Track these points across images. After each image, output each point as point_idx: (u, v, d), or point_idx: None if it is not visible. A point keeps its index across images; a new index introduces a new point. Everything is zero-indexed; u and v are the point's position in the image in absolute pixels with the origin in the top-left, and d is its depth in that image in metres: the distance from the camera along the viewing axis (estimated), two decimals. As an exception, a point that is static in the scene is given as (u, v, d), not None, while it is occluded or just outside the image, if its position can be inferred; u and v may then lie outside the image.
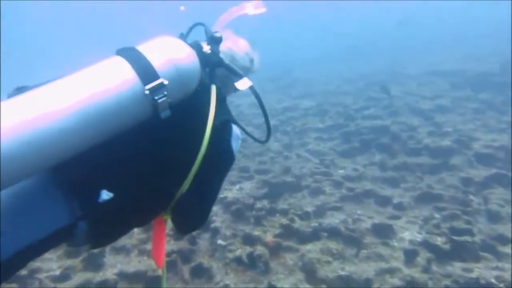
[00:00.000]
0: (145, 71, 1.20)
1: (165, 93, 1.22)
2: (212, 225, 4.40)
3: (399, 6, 36.05)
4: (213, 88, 1.45)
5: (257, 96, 1.59)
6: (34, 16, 31.41)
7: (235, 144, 1.55)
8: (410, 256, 3.67)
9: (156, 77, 1.21)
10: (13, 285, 3.29)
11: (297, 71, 16.75)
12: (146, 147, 1.33)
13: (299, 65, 18.41)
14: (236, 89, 1.70)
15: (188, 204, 1.45)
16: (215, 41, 1.53)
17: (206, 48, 1.51)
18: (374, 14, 38.82)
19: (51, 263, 3.70)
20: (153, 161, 1.33)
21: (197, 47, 1.48)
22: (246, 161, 6.53)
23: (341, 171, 6.04)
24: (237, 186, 5.48)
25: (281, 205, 4.95)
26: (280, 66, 16.55)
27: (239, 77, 1.58)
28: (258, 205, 4.87)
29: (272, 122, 8.39)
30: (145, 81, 1.19)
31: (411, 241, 3.88)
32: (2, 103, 1.05)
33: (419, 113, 8.34)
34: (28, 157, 1.02)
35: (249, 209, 4.80)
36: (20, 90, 1.21)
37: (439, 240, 3.77)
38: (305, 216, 4.63)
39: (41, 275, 3.49)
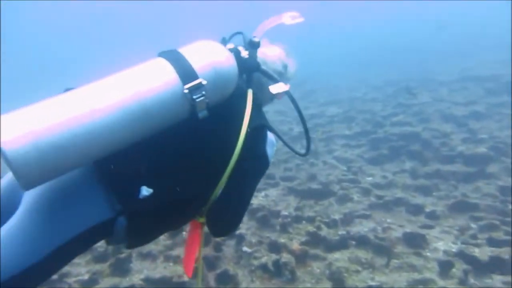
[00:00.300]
0: (185, 72, 1.25)
1: (204, 93, 1.26)
2: (238, 232, 4.35)
3: (425, 9, 35.15)
4: (250, 93, 1.47)
5: (293, 101, 1.60)
6: (34, 16, 32.28)
7: (270, 151, 1.56)
8: (445, 267, 3.48)
9: (196, 77, 1.26)
10: (44, 288, 3.34)
11: (323, 77, 16.60)
12: (183, 147, 1.37)
13: (325, 72, 18.25)
14: (273, 97, 1.73)
15: (222, 206, 1.46)
16: (253, 46, 1.56)
17: (244, 53, 1.55)
18: (401, 18, 38.06)
19: (79, 267, 3.75)
20: (189, 161, 1.37)
21: (235, 51, 1.52)
22: (271, 168, 6.43)
23: (370, 179, 5.87)
24: (263, 193, 5.42)
25: (307, 212, 4.85)
26: (307, 72, 16.45)
27: (275, 81, 1.60)
28: (284, 212, 4.80)
29: (298, 128, 8.31)
30: (185, 81, 1.24)
31: (445, 252, 3.69)
32: (53, 98, 1.13)
33: (451, 120, 8.03)
34: (74, 149, 1.08)
35: (274, 216, 4.73)
36: (69, 91, 1.27)
37: (476, 251, 3.56)
38: (332, 224, 4.50)
39: (70, 279, 3.54)
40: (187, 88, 1.24)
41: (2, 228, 1.21)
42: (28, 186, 1.08)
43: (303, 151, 1.74)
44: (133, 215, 1.28)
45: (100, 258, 3.82)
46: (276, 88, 1.59)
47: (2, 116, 1.05)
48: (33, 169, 1.03)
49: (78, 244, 1.26)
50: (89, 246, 1.35)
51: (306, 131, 1.65)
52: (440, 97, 9.90)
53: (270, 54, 1.76)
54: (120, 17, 34.53)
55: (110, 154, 1.21)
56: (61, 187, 1.24)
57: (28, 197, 1.24)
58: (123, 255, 3.73)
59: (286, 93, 1.60)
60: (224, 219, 1.52)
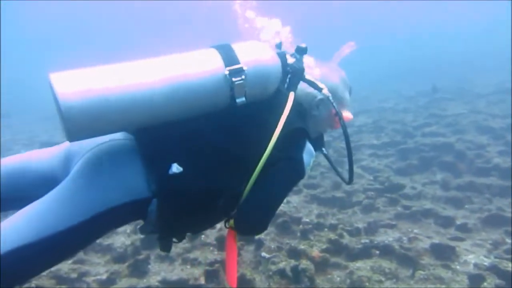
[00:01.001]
0: (229, 57, 1.36)
1: (243, 77, 1.34)
2: (257, 237, 4.27)
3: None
4: (291, 95, 1.51)
5: (344, 127, 1.62)
6: (34, 16, 33.32)
7: (307, 158, 1.56)
8: (475, 280, 3.24)
9: (237, 61, 1.35)
10: (63, 286, 3.35)
11: (354, 89, 16.33)
12: (219, 136, 1.42)
13: (356, 83, 17.96)
14: (327, 125, 1.79)
15: (250, 204, 1.46)
16: (299, 52, 1.62)
17: (291, 59, 1.61)
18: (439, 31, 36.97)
19: (98, 267, 3.77)
20: (222, 151, 1.42)
21: (282, 55, 1.57)
22: (295, 176, 6.36)
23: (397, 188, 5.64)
24: (285, 200, 5.32)
25: (330, 220, 4.71)
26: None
27: (318, 89, 1.64)
28: (305, 219, 4.68)
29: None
30: (227, 64, 1.34)
31: (476, 265, 3.44)
32: (110, 65, 1.28)
33: (487, 132, 7.66)
34: (118, 111, 1.21)
35: (295, 223, 4.62)
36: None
37: (510, 266, 3.30)
38: (355, 232, 4.34)
39: (89, 279, 3.54)
40: (228, 70, 1.32)
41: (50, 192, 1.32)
42: (72, 136, 1.21)
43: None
44: (163, 192, 1.34)
45: (119, 259, 3.83)
46: (321, 85, 1.63)
47: (61, 72, 1.22)
48: (78, 119, 1.16)
49: (113, 218, 1.32)
50: (123, 222, 1.44)
51: (351, 159, 1.71)
52: (477, 109, 9.51)
53: (308, 64, 1.79)
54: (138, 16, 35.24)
55: (150, 126, 1.33)
56: (105, 158, 1.35)
57: (75, 166, 1.36)
58: (141, 257, 3.73)
59: (338, 115, 1.63)
60: (250, 217, 1.50)
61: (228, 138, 1.43)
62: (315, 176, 6.26)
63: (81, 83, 1.18)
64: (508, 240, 3.90)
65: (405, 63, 23.52)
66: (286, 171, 1.51)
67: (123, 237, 4.09)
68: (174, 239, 1.58)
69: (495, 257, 3.57)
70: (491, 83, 12.58)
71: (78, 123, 1.17)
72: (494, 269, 3.34)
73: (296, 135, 1.51)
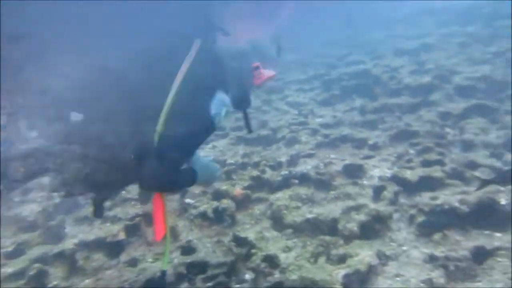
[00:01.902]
0: None
1: None
2: (181, 185, 4.26)
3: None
4: (196, 42, 1.43)
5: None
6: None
7: (217, 110, 1.49)
8: (377, 191, 3.52)
9: None
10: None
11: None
12: (119, 84, 1.36)
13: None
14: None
15: (155, 160, 1.41)
16: None
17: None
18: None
19: (4, 240, 3.55)
20: (125, 101, 1.35)
21: None
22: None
23: (319, 119, 5.83)
24: (210, 145, 5.32)
25: (255, 158, 4.79)
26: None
27: (225, 34, 1.63)
28: (230, 160, 4.73)
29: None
30: None
31: (380, 178, 3.72)
32: None
33: (403, 54, 7.99)
34: None
35: (220, 166, 4.65)
36: None
37: (408, 173, 3.59)
38: (277, 166, 4.47)
39: (-9, 254, 3.34)
40: None
41: None
42: None
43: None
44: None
45: (29, 228, 3.65)
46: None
47: None
48: None
49: None
50: None
51: (246, 117, 1.84)
52: (396, 34, 9.86)
53: None
54: None
55: None
56: None
57: None
58: (55, 222, 3.58)
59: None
60: (154, 174, 1.43)
61: (129, 87, 1.36)
62: (241, 118, 6.24)
63: None
64: (411, 151, 4.21)
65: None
66: (193, 127, 1.47)
67: (34, 204, 3.89)
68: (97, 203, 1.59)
69: (397, 168, 3.86)
70: (415, 6, 12.94)
71: None
72: (394, 179, 3.62)
73: (205, 84, 1.46)
